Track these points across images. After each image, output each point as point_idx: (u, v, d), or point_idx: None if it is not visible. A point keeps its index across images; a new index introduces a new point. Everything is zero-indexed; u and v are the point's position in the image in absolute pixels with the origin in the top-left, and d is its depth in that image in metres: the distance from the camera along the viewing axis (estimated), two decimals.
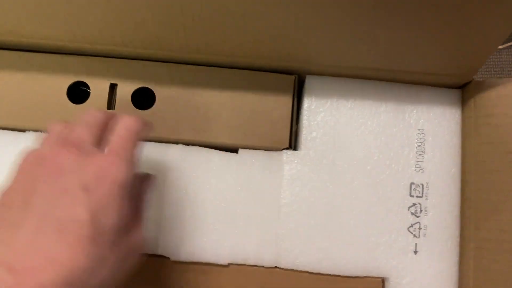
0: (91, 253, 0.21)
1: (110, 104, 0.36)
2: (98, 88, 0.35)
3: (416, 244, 0.35)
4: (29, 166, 0.23)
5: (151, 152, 0.36)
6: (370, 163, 0.36)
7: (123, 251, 0.23)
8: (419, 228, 0.35)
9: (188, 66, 0.36)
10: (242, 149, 0.36)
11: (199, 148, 0.36)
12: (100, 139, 0.26)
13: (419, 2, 0.28)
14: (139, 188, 0.28)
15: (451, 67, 0.35)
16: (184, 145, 0.36)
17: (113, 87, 0.36)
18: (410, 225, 0.35)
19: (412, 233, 0.35)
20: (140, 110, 0.35)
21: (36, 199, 0.21)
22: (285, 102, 0.36)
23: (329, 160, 0.36)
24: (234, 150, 0.37)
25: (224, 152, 0.36)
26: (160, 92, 0.36)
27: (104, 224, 0.21)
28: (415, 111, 0.36)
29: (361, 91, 0.37)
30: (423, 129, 0.36)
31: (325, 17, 0.30)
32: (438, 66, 0.35)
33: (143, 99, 0.36)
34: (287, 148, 0.36)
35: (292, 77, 0.36)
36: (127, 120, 0.26)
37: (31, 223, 0.20)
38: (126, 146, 0.25)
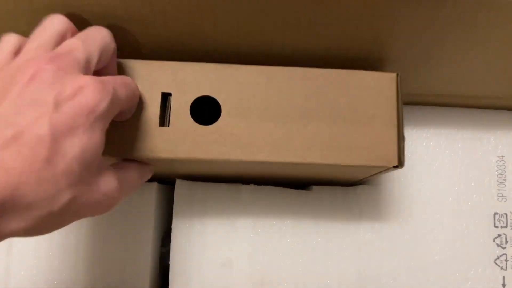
0: (42, 178, 0.18)
1: (163, 120, 0.27)
2: (147, 99, 0.26)
3: (504, 277, 0.33)
4: (4, 62, 0.21)
5: (220, 193, 0.34)
6: (451, 194, 0.34)
7: (85, 193, 0.20)
8: (506, 260, 0.34)
9: (260, 67, 0.27)
10: (316, 186, 0.34)
11: (272, 187, 0.34)
12: (91, 63, 0.22)
13: (498, 26, 0.26)
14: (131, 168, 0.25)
15: None
16: (256, 185, 0.34)
17: (165, 98, 0.27)
18: (496, 257, 0.34)
19: (499, 265, 0.34)
20: (202, 126, 0.27)
21: (4, 103, 0.19)
22: (387, 106, 0.27)
23: (408, 192, 0.34)
24: (327, 170, 0.29)
25: (298, 190, 0.34)
26: (227, 101, 0.27)
27: (65, 150, 0.19)
28: (492, 137, 0.35)
29: (436, 118, 0.35)
30: (502, 156, 0.35)
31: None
32: None
33: (204, 111, 0.28)
34: (396, 166, 0.28)
35: (394, 74, 0.28)
36: (126, 76, 0.24)
37: None
38: (115, 83, 0.22)
